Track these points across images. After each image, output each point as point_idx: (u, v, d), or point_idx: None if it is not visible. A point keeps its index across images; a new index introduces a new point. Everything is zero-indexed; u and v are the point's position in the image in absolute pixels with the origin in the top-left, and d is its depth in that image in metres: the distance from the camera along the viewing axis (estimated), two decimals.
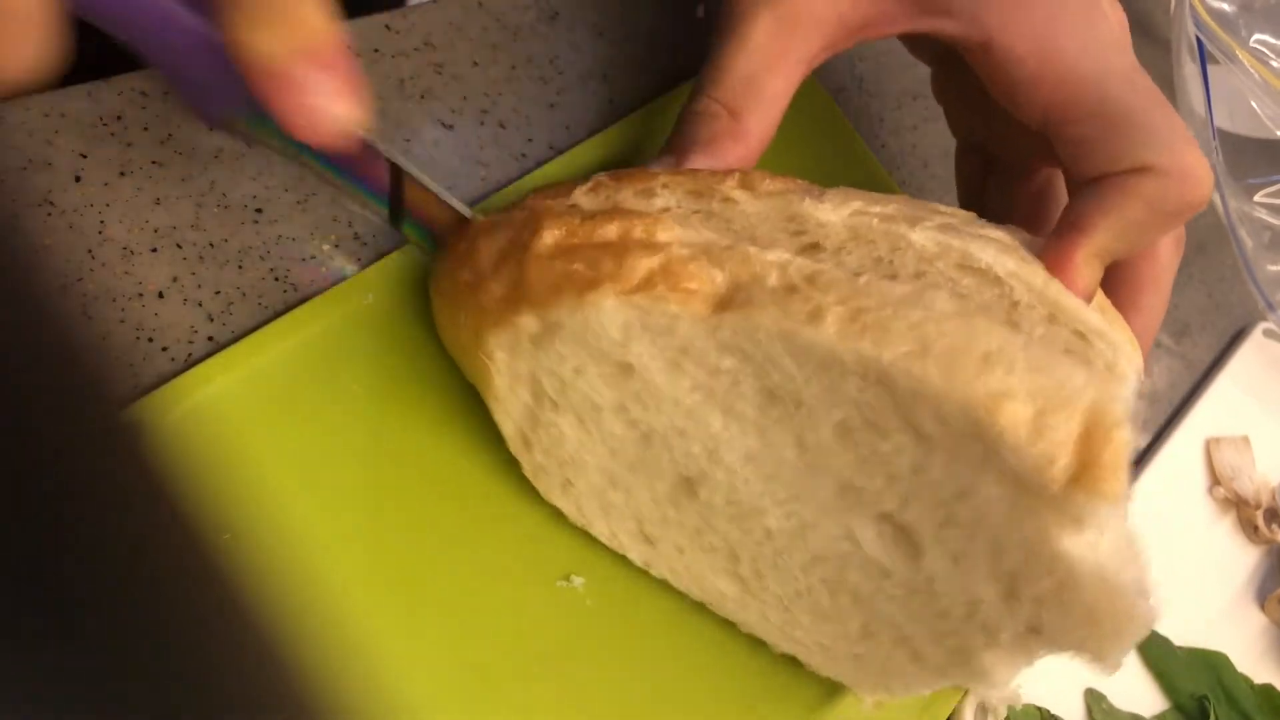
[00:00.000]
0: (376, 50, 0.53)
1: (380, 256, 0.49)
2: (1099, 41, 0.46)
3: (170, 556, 0.17)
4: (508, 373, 0.43)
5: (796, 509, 0.43)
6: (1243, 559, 0.74)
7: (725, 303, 0.38)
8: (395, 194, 0.45)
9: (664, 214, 0.42)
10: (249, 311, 0.46)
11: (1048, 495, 0.35)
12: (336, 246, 0.48)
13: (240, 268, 0.46)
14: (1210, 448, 0.76)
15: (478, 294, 0.42)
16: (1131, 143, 0.44)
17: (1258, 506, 0.74)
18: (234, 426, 0.43)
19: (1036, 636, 0.40)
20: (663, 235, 0.40)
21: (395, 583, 0.45)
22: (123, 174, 0.45)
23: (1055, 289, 0.41)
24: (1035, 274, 0.41)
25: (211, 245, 0.46)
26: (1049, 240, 0.44)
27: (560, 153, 0.56)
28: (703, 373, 0.40)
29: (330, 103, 0.36)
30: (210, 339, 0.45)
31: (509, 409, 0.45)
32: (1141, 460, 0.73)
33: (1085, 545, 0.36)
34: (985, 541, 0.39)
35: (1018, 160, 0.56)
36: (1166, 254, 0.50)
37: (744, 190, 0.43)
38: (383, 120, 0.52)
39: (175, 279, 0.44)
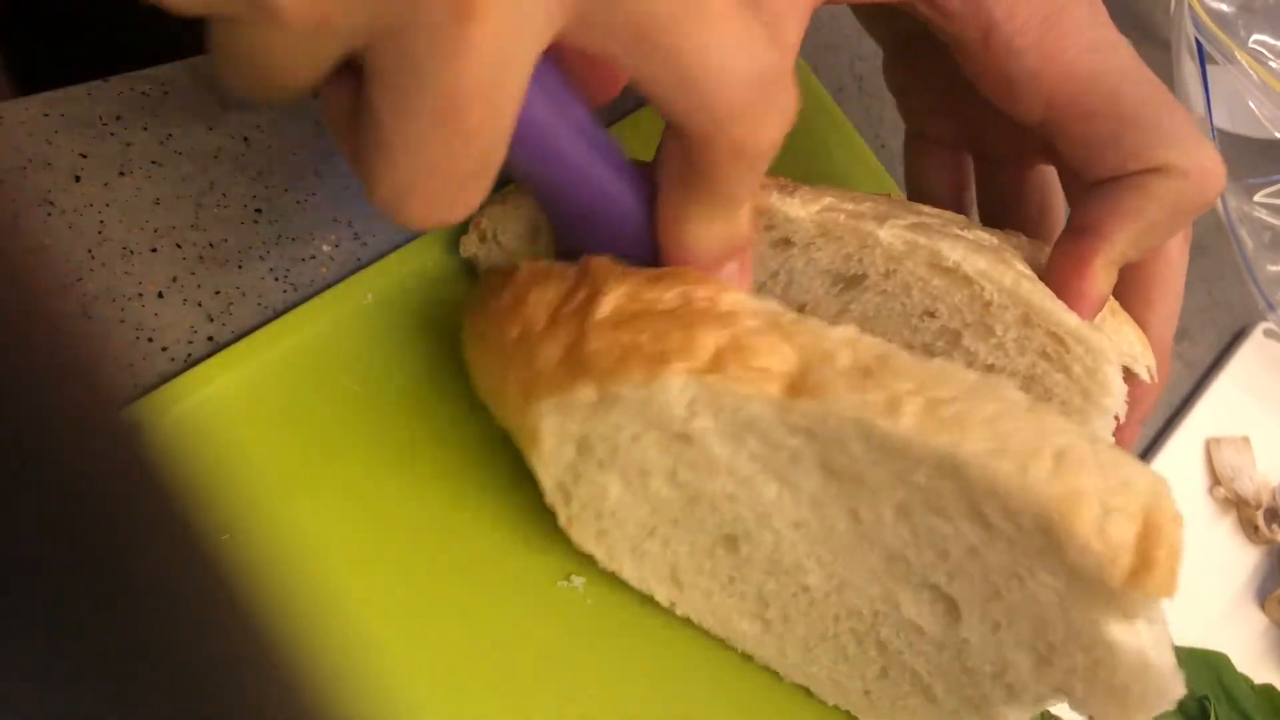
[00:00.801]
0: None
1: (380, 256, 0.49)
2: (1104, 36, 0.45)
3: (169, 557, 0.17)
4: (557, 434, 0.42)
5: (839, 571, 0.43)
6: (1243, 559, 0.74)
7: (798, 385, 0.37)
8: None
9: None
10: (249, 311, 0.46)
11: (1105, 590, 0.36)
12: (336, 246, 0.48)
13: (240, 268, 0.46)
14: (1210, 448, 0.76)
15: (529, 354, 0.40)
16: (1146, 141, 0.43)
17: (1258, 506, 0.74)
18: (233, 426, 0.43)
19: (1059, 697, 0.40)
20: (727, 303, 0.38)
21: (394, 583, 0.45)
22: (122, 174, 0.44)
23: (1027, 288, 0.40)
24: (1005, 273, 0.41)
25: (211, 245, 0.46)
26: (1062, 246, 0.43)
27: None
28: (765, 447, 0.39)
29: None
30: (210, 339, 0.44)
31: (551, 465, 0.43)
32: (1141, 460, 0.73)
33: (1131, 633, 0.37)
34: (1029, 618, 0.39)
35: (996, 155, 0.55)
36: (1177, 252, 0.48)
37: None
38: None
39: (175, 279, 0.44)
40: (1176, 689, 0.37)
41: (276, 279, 0.47)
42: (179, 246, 0.45)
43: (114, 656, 0.15)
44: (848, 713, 0.50)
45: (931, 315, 0.42)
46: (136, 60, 0.46)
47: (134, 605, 0.16)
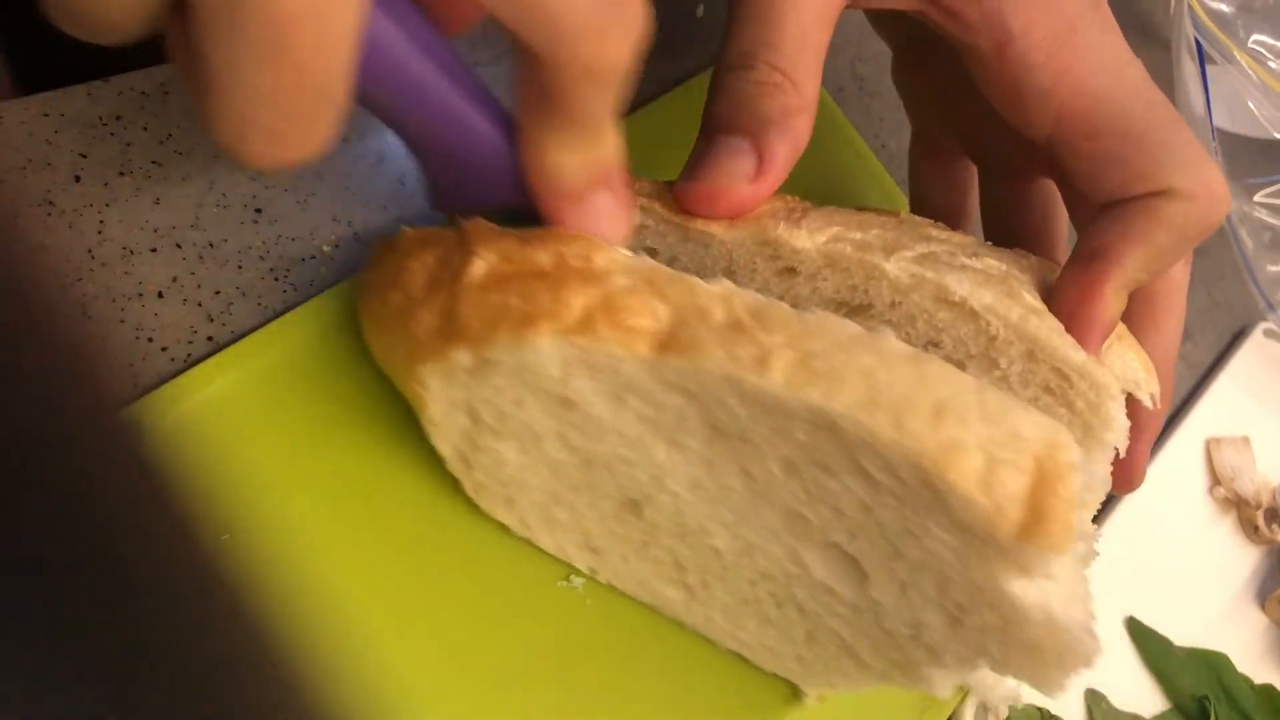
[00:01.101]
0: None
1: None
2: (1116, 55, 0.45)
3: (169, 557, 0.17)
4: (443, 400, 0.41)
5: (743, 532, 0.43)
6: (1243, 559, 0.74)
7: (669, 342, 0.36)
8: None
9: (634, 238, 0.41)
10: (249, 311, 0.46)
11: (996, 545, 0.34)
12: (336, 246, 0.48)
13: (240, 268, 0.46)
14: (1210, 448, 0.76)
15: (408, 321, 0.40)
16: (1156, 163, 0.43)
17: (1258, 506, 0.74)
18: (233, 426, 0.43)
19: (980, 660, 0.39)
20: (600, 261, 0.37)
21: (396, 583, 0.45)
22: (122, 174, 0.44)
23: (1033, 324, 0.40)
24: (1012, 308, 0.40)
25: (211, 245, 0.46)
26: (1072, 272, 0.43)
27: None
28: (647, 407, 0.39)
29: (612, 228, 0.38)
30: (210, 339, 0.44)
31: (446, 433, 0.43)
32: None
33: (1033, 588, 0.36)
34: (932, 576, 0.38)
35: (1000, 165, 0.54)
36: (1180, 272, 0.48)
37: (725, 226, 0.41)
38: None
39: (175, 279, 0.44)
40: (1091, 647, 0.35)
41: (276, 279, 0.47)
42: (179, 246, 0.45)
43: (114, 656, 0.15)
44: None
45: (936, 345, 0.42)
46: (136, 60, 0.46)
47: (134, 605, 0.16)
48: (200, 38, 0.27)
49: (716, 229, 0.41)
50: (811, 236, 0.40)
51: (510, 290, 0.37)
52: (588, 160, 0.36)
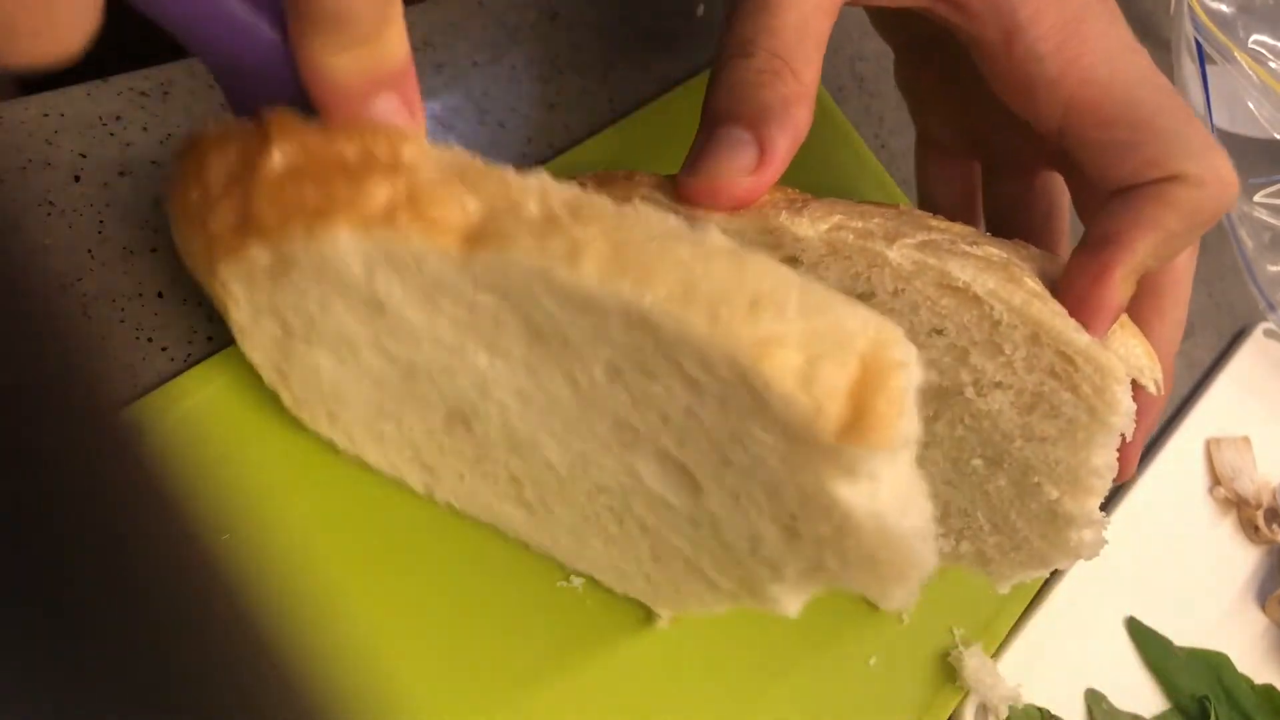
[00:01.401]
0: None
1: None
2: (1121, 42, 0.45)
3: (169, 557, 0.17)
4: (248, 305, 0.39)
5: (574, 443, 0.41)
6: (1243, 559, 0.74)
7: (477, 236, 0.34)
8: None
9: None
10: None
11: (819, 446, 0.32)
12: None
13: None
14: (1211, 448, 0.76)
15: (206, 218, 0.37)
16: (1166, 149, 0.43)
17: (1258, 507, 0.74)
18: (232, 426, 0.43)
19: (821, 573, 0.38)
20: (409, 152, 0.35)
21: (395, 582, 0.45)
22: (122, 174, 0.44)
23: (1036, 307, 0.40)
24: (1014, 293, 0.39)
25: None
26: (1081, 257, 0.43)
27: (560, 152, 0.56)
28: (461, 310, 0.37)
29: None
30: (210, 339, 0.44)
31: (255, 342, 0.41)
32: (1142, 460, 0.73)
33: (862, 493, 0.33)
34: (762, 484, 0.36)
35: (1004, 160, 0.55)
36: (1186, 261, 0.48)
37: (725, 214, 0.41)
38: None
39: (175, 278, 0.44)
40: (926, 556, 0.33)
41: None
42: None
43: (112, 656, 0.15)
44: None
45: (939, 333, 0.42)
46: (136, 60, 0.46)
47: (133, 605, 0.16)
48: None
49: (717, 218, 0.41)
50: (814, 224, 0.40)
51: (308, 182, 0.35)
52: (362, 62, 0.33)
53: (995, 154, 0.55)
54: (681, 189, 0.42)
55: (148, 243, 0.44)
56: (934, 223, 0.43)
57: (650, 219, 0.33)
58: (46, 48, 0.27)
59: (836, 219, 0.41)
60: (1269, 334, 0.84)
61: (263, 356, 0.42)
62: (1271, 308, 0.81)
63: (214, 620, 0.17)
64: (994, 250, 0.42)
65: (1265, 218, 0.82)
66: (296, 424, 0.44)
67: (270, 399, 0.44)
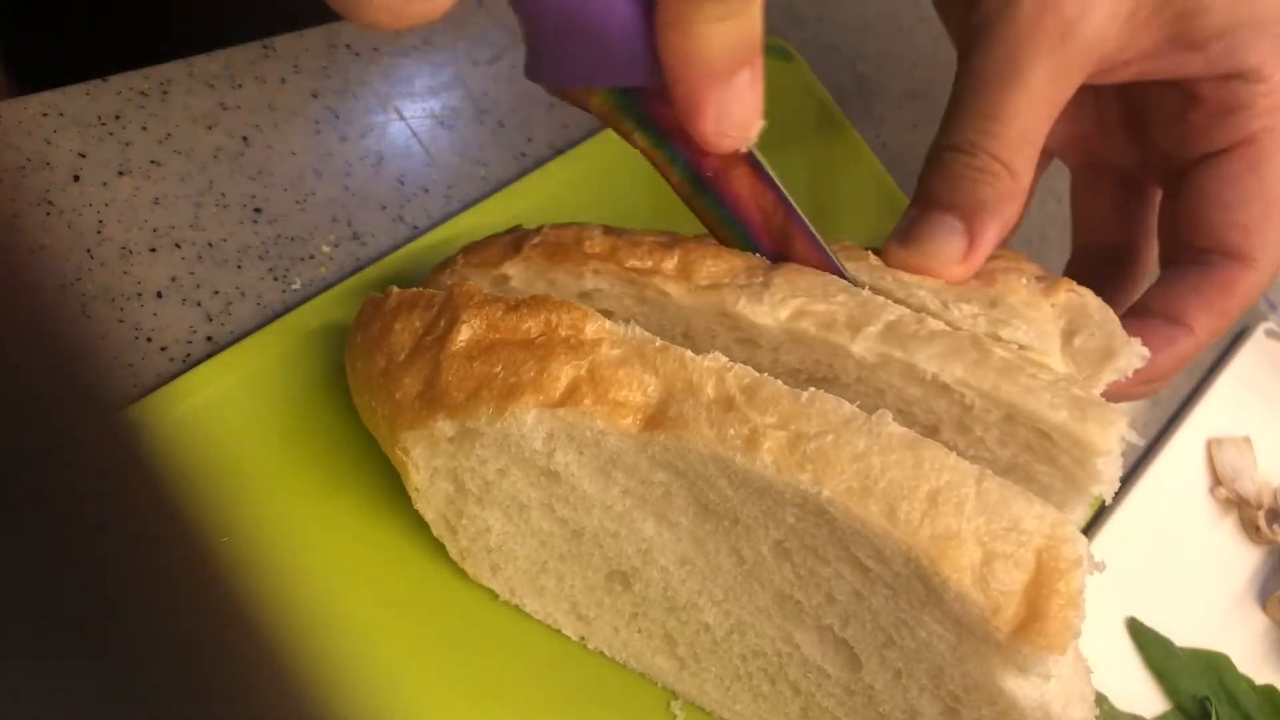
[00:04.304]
0: (375, 49, 0.53)
1: (380, 256, 0.49)
2: None
3: (168, 559, 0.16)
4: (426, 468, 0.40)
5: (733, 609, 0.42)
6: (1244, 560, 0.74)
7: (657, 418, 0.35)
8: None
9: (589, 302, 0.39)
10: (248, 311, 0.45)
11: (992, 642, 0.33)
12: (336, 246, 0.48)
13: (239, 267, 0.46)
14: (1211, 448, 0.76)
15: (391, 386, 0.38)
16: (1259, 222, 0.47)
17: (1259, 507, 0.74)
18: (233, 427, 0.43)
19: None
20: (590, 330, 0.36)
21: (395, 585, 0.44)
22: (121, 173, 0.44)
23: (1006, 390, 0.38)
24: (984, 377, 0.38)
25: (210, 245, 0.45)
26: (1156, 340, 0.45)
27: (559, 152, 0.55)
28: (634, 482, 0.38)
29: (754, 114, 0.35)
30: (209, 339, 0.44)
31: (430, 499, 0.42)
32: (1142, 461, 0.73)
33: (1031, 687, 0.34)
34: (927, 666, 0.37)
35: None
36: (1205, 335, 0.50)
37: (680, 281, 0.39)
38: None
39: (174, 279, 0.44)
40: None
41: (276, 279, 0.47)
42: (178, 246, 0.45)
43: (111, 658, 0.15)
44: None
45: (905, 414, 0.40)
46: (136, 60, 0.46)
47: (132, 608, 0.16)
48: None
49: (674, 290, 0.40)
50: (773, 312, 0.39)
51: (495, 359, 0.36)
52: (738, 31, 0.32)
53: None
54: (891, 257, 0.43)
55: (147, 243, 0.44)
56: (906, 281, 0.42)
57: (826, 405, 0.34)
58: (421, 8, 0.28)
59: (798, 303, 0.39)
60: (1270, 334, 0.84)
61: (434, 512, 0.43)
62: (1273, 307, 0.81)
63: (213, 624, 0.17)
64: (967, 308, 0.41)
65: None
66: (294, 425, 0.44)
67: (268, 401, 0.44)
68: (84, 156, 0.44)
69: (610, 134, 0.56)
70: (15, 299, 0.16)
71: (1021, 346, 0.40)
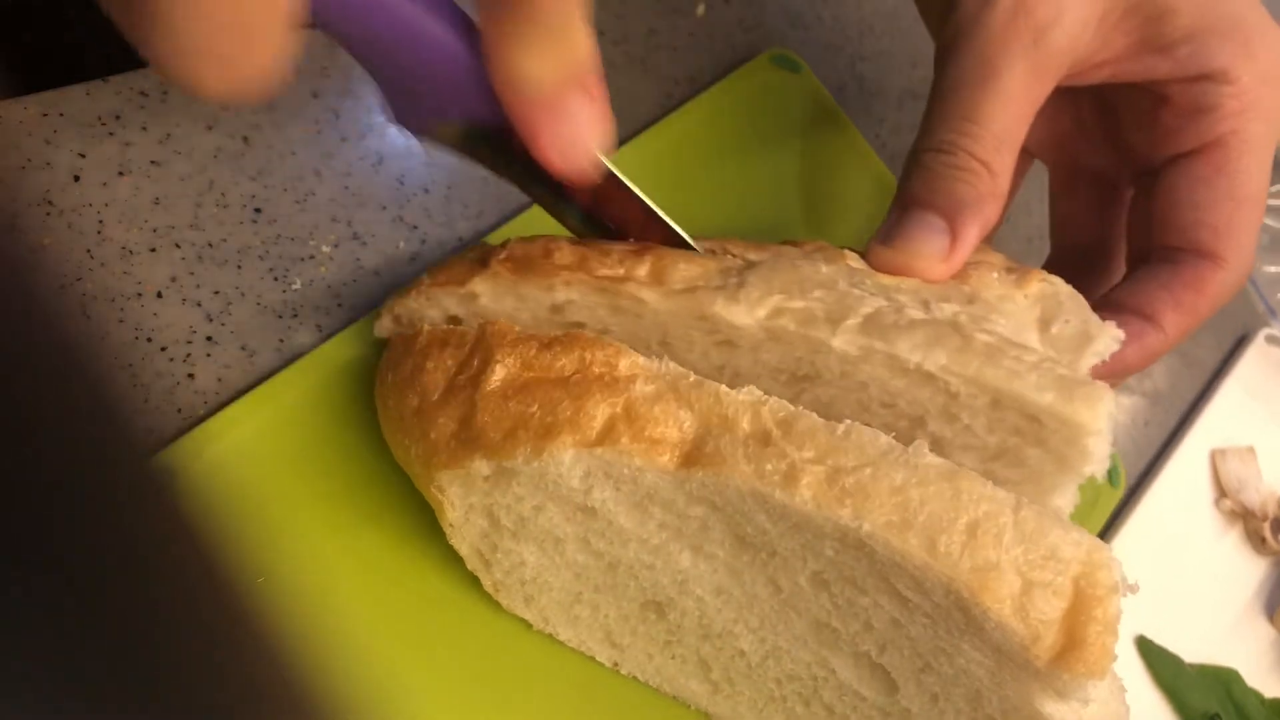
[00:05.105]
0: None
1: (380, 256, 0.49)
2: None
3: (205, 605, 0.16)
4: (461, 505, 0.41)
5: (769, 636, 0.42)
6: (1251, 571, 0.74)
7: (694, 454, 0.35)
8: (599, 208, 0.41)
9: (561, 315, 0.39)
10: (248, 311, 0.45)
11: (1032, 669, 0.33)
12: (336, 246, 0.48)
13: (239, 268, 0.46)
14: (1216, 459, 0.76)
15: (425, 425, 0.39)
16: (1223, 232, 0.48)
17: (1264, 518, 0.73)
18: (265, 468, 0.43)
19: None
20: (625, 366, 0.36)
21: (429, 625, 0.44)
22: (121, 174, 0.44)
23: (990, 374, 0.38)
24: (968, 363, 0.38)
25: (210, 245, 0.45)
26: (1126, 324, 0.46)
27: None
28: (671, 516, 0.38)
29: (592, 134, 0.35)
30: (209, 339, 0.44)
31: (465, 534, 0.42)
32: (1147, 474, 0.73)
33: (1070, 711, 0.35)
34: (965, 691, 0.37)
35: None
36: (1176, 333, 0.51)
37: (654, 287, 0.39)
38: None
39: (174, 279, 0.44)
40: None
41: (276, 279, 0.46)
42: (178, 246, 0.44)
43: (142, 700, 0.15)
44: None
45: (889, 407, 0.40)
46: (136, 60, 0.46)
47: (172, 653, 0.15)
48: None
49: (649, 296, 0.39)
50: (751, 311, 0.39)
51: (530, 399, 0.36)
52: (558, 62, 0.33)
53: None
54: (874, 258, 0.44)
55: (147, 243, 0.44)
56: (885, 284, 0.42)
57: (863, 438, 0.34)
58: (243, 75, 0.28)
59: (775, 300, 0.39)
60: (1270, 339, 0.84)
61: (468, 547, 0.43)
62: (1273, 313, 0.81)
63: (250, 663, 0.17)
64: (949, 308, 0.41)
65: (1265, 220, 0.81)
66: (325, 463, 0.44)
67: (298, 441, 0.44)
68: (84, 156, 0.43)
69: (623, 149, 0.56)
70: (15, 299, 0.15)
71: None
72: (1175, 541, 0.71)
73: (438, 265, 0.43)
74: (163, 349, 0.43)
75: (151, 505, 0.16)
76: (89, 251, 0.43)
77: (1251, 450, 0.77)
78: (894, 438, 0.40)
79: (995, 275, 0.43)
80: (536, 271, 0.40)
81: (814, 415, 0.35)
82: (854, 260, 0.43)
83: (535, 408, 0.36)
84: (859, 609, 0.37)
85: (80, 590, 0.14)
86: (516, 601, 0.45)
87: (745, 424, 0.35)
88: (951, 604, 0.33)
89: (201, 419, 0.43)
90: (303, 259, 0.47)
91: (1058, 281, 0.43)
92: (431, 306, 0.42)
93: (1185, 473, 0.74)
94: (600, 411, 0.36)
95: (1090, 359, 0.41)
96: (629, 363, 0.36)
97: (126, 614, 0.15)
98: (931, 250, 0.43)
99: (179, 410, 0.43)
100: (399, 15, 0.32)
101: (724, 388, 0.36)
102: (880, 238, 0.44)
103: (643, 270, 0.39)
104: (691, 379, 0.36)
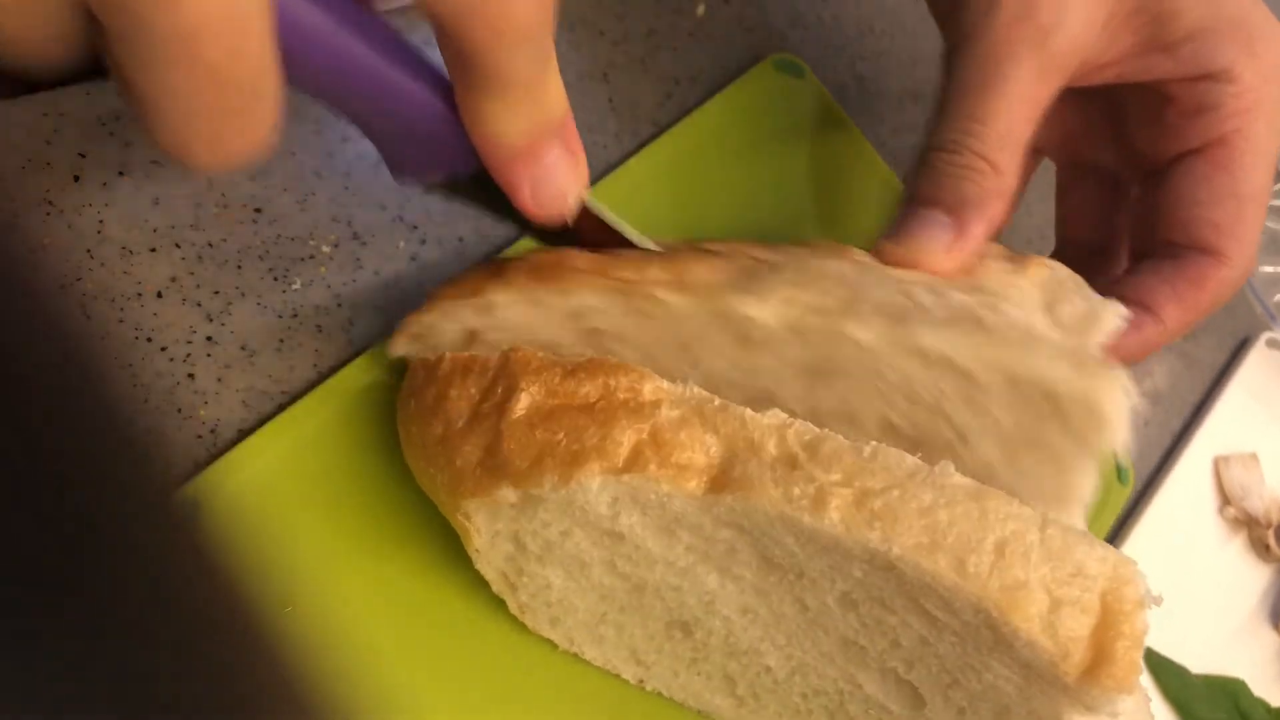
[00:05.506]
0: None
1: (380, 257, 0.49)
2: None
3: (231, 638, 0.16)
4: (488, 531, 0.41)
5: (796, 653, 0.42)
6: (1255, 579, 0.73)
7: (721, 479, 0.35)
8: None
9: (580, 320, 0.39)
10: (248, 311, 0.45)
11: (1061, 685, 0.34)
12: (336, 246, 0.48)
13: (239, 268, 0.45)
14: (1219, 466, 0.76)
15: (450, 453, 0.39)
16: (1226, 229, 0.49)
17: (1268, 525, 0.73)
18: (287, 497, 0.43)
19: None
20: (649, 391, 0.36)
21: (455, 647, 0.44)
22: (121, 174, 0.44)
23: (1009, 355, 0.39)
24: (985, 346, 0.38)
25: (210, 245, 0.45)
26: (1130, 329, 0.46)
27: None
28: (698, 540, 0.38)
29: (569, 183, 0.37)
30: (209, 339, 0.44)
31: (490, 559, 0.42)
32: (1152, 482, 0.73)
33: None
34: (992, 706, 0.38)
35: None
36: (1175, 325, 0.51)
37: (673, 288, 0.39)
38: None
39: (174, 279, 0.44)
40: None
41: (276, 279, 0.46)
42: (178, 246, 0.44)
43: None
44: None
45: (910, 397, 0.41)
46: None
47: (198, 685, 0.15)
48: (117, 57, 0.27)
49: (669, 297, 0.40)
50: (771, 307, 0.39)
51: (556, 426, 0.36)
52: (531, 119, 0.34)
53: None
54: (883, 254, 0.44)
55: (147, 243, 0.44)
56: (896, 276, 0.42)
57: (890, 459, 0.34)
58: (242, 152, 0.30)
59: (794, 295, 0.39)
60: (1271, 344, 0.83)
61: (494, 571, 0.43)
62: (1272, 317, 0.80)
63: (277, 692, 0.17)
64: (959, 297, 0.41)
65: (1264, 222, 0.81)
66: (349, 493, 0.44)
67: (320, 469, 0.44)
68: (84, 157, 0.43)
69: (633, 163, 0.56)
70: (15, 299, 0.15)
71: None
72: (1179, 550, 0.71)
73: (447, 280, 0.43)
74: (163, 349, 0.43)
75: (175, 541, 0.16)
76: (89, 251, 0.43)
77: (1255, 457, 0.77)
78: (916, 430, 0.41)
79: (996, 265, 0.44)
80: (553, 276, 0.40)
81: (839, 437, 0.35)
82: (861, 256, 0.43)
83: (561, 435, 0.36)
84: (887, 627, 0.38)
85: (91, 618, 0.14)
86: (542, 623, 0.45)
87: (771, 447, 0.35)
88: (980, 622, 0.34)
89: (202, 419, 0.43)
90: (303, 259, 0.47)
91: (1057, 266, 0.44)
92: (448, 320, 0.42)
93: (1189, 480, 0.74)
94: (627, 438, 0.36)
95: (1099, 337, 0.41)
96: (653, 387, 0.37)
97: (151, 644, 0.15)
98: (936, 246, 0.44)
99: (179, 410, 0.43)
100: (378, 78, 0.33)
101: (749, 411, 0.36)
102: (887, 235, 0.45)
103: (660, 272, 0.40)
104: (716, 403, 0.36)
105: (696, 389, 0.37)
